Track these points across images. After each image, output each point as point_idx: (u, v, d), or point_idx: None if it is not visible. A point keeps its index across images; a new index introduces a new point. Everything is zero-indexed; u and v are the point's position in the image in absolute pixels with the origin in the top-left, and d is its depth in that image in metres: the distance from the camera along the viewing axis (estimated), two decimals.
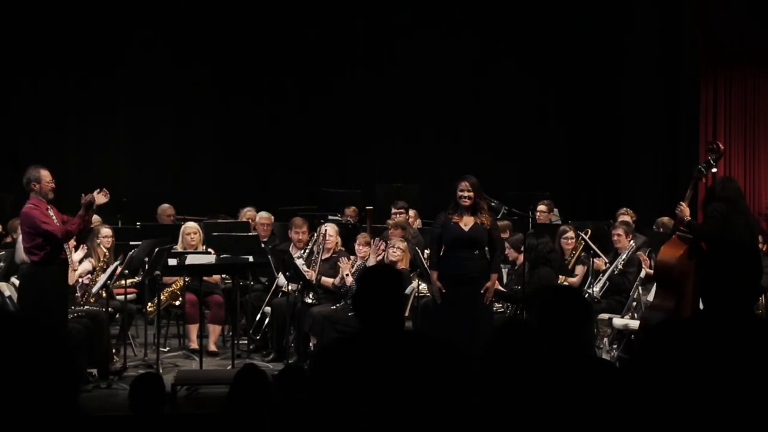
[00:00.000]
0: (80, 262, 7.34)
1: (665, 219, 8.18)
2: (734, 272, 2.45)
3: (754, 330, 2.40)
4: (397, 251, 7.50)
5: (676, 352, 2.41)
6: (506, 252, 7.66)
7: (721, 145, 6.35)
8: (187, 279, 7.81)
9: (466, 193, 6.47)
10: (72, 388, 1.54)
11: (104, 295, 7.31)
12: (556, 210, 9.64)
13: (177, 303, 7.92)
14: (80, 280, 7.23)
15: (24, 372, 1.48)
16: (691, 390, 2.35)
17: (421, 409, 2.63)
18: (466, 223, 6.50)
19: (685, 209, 6.03)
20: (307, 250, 7.97)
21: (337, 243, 7.94)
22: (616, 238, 7.89)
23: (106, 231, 7.70)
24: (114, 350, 7.33)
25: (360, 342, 2.82)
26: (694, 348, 2.40)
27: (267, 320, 7.87)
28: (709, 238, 5.83)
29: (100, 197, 6.54)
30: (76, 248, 7.23)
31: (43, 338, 1.54)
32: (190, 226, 8.12)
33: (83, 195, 6.55)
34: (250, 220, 9.16)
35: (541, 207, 9.21)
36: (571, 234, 8.01)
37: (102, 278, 7.16)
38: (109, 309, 7.31)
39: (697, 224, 6.17)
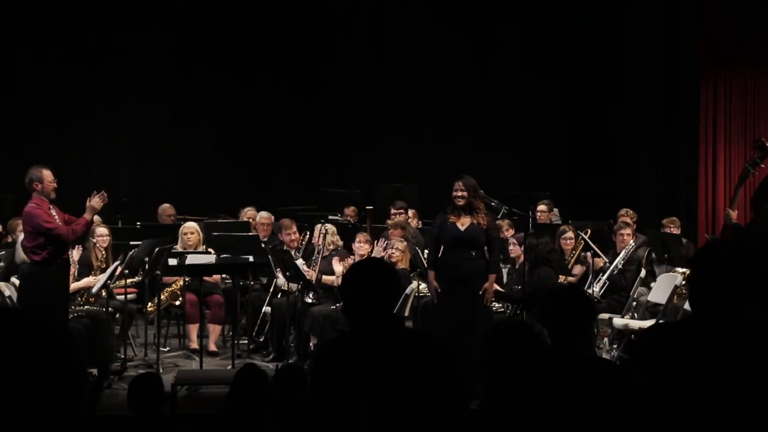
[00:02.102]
0: (78, 266, 7.33)
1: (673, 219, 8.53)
2: (724, 272, 2.40)
3: (751, 330, 2.39)
4: (396, 251, 7.53)
5: (674, 352, 2.40)
6: (510, 248, 7.67)
7: (767, 143, 6.13)
8: (187, 279, 7.81)
9: (459, 193, 6.49)
10: (76, 386, 1.53)
11: (104, 295, 7.31)
12: (556, 210, 9.64)
13: (177, 303, 7.92)
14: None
15: (26, 370, 1.48)
16: (689, 390, 2.34)
17: (417, 409, 2.62)
18: (463, 223, 6.50)
19: (732, 213, 5.96)
20: (302, 249, 7.98)
21: (333, 242, 7.93)
22: (625, 237, 7.90)
23: (101, 230, 7.69)
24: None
25: (359, 340, 2.76)
26: (691, 348, 2.39)
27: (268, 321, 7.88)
28: (757, 238, 5.68)
29: (97, 200, 6.53)
30: (74, 246, 7.23)
31: (47, 335, 1.53)
32: (188, 226, 8.12)
33: (90, 196, 6.54)
34: (250, 220, 9.16)
35: (541, 207, 9.22)
36: (570, 234, 8.02)
37: (102, 278, 7.16)
38: (109, 309, 7.31)
39: (740, 227, 6.09)
